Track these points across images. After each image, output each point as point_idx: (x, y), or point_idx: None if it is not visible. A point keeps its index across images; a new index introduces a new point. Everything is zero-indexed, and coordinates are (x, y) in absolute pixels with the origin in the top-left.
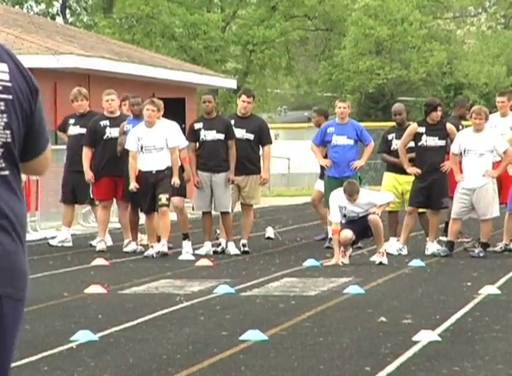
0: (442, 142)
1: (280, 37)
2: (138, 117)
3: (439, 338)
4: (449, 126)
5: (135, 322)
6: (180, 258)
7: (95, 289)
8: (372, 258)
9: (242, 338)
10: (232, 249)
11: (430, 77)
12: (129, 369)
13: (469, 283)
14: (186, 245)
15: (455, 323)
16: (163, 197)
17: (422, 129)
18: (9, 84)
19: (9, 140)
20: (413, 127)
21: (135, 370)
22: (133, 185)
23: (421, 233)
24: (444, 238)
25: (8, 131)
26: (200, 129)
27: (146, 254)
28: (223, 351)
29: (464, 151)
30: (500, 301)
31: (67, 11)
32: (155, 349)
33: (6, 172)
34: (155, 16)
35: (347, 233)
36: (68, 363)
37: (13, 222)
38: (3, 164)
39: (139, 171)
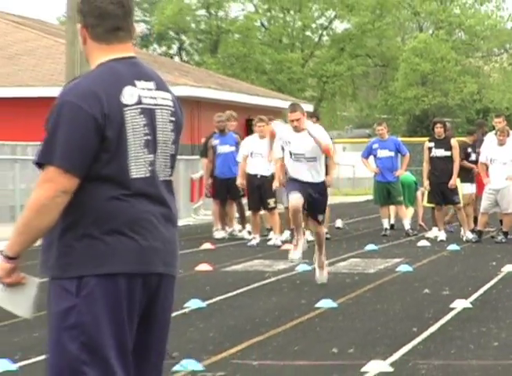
0: (448, 153)
1: (347, 71)
2: (222, 132)
3: (471, 306)
4: (453, 142)
5: (234, 293)
6: (269, 243)
7: (203, 267)
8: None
9: (317, 305)
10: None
11: (463, 103)
12: (229, 329)
13: (494, 263)
14: (273, 234)
15: (483, 293)
16: (271, 201)
17: (431, 144)
18: (174, 109)
19: (174, 152)
20: (426, 144)
21: (234, 330)
22: (239, 181)
23: (456, 224)
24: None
25: (174, 146)
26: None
27: (249, 244)
28: (302, 315)
29: (491, 160)
30: None
31: (183, 52)
32: (249, 314)
33: (171, 178)
34: (250, 56)
35: (298, 199)
36: (182, 325)
37: (175, 217)
38: (170, 172)
39: (247, 174)
